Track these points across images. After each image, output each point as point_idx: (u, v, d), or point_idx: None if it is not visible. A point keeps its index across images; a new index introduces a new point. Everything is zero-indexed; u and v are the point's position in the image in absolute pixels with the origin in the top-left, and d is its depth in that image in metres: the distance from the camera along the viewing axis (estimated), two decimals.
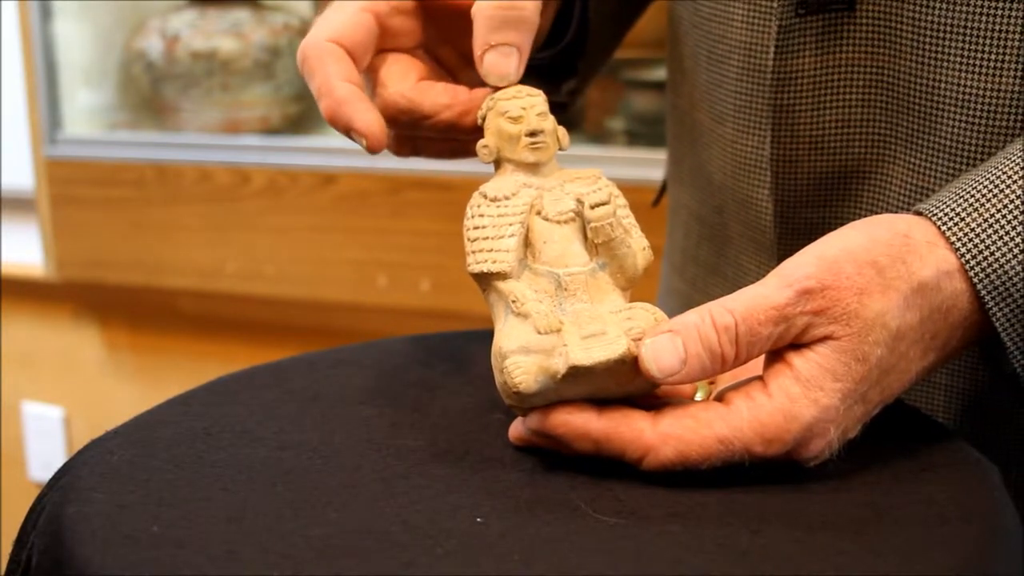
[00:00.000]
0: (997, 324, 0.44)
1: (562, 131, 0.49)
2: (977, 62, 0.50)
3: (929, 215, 0.45)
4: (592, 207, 0.46)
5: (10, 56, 1.57)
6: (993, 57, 0.50)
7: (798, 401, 0.42)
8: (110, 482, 0.43)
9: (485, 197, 0.47)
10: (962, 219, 0.45)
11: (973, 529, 0.40)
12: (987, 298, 0.44)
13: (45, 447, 1.74)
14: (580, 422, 0.43)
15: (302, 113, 1.52)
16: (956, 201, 0.45)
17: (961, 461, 0.45)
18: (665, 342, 0.42)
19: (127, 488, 0.42)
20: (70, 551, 0.38)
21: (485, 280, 0.46)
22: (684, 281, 0.68)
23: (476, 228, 0.46)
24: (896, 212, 0.55)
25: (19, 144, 1.58)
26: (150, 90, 1.50)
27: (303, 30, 1.50)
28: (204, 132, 1.47)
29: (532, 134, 0.47)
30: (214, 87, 1.46)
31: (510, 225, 0.46)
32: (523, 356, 0.43)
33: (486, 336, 0.59)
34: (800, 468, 0.43)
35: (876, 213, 0.55)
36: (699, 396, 0.47)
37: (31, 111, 1.50)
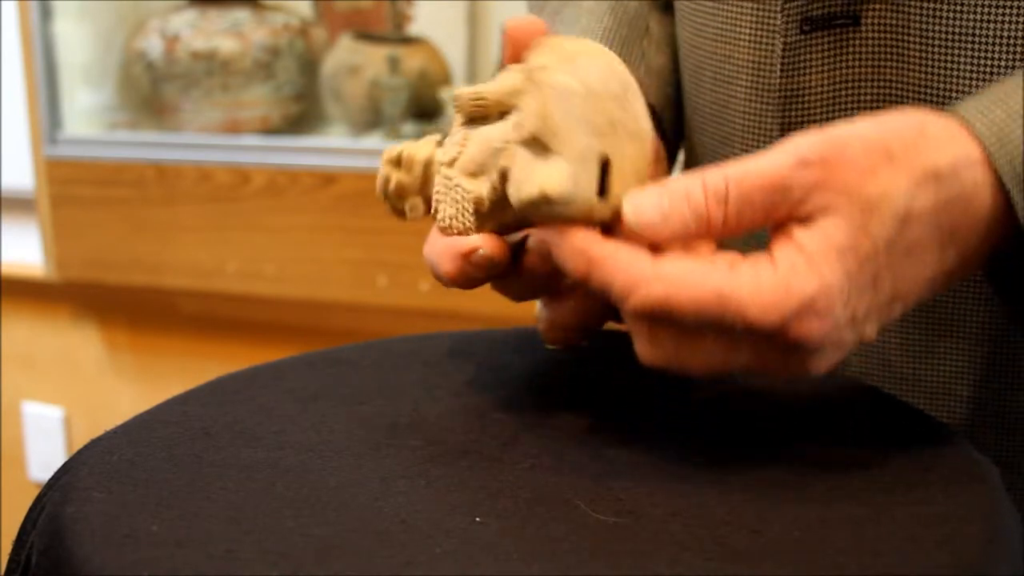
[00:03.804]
0: (1021, 215, 0.42)
1: None
2: (987, 70, 0.50)
3: (952, 110, 0.44)
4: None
5: (10, 56, 1.57)
6: (1003, 64, 0.49)
7: (800, 273, 0.40)
8: (110, 482, 0.43)
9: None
10: (990, 111, 0.43)
11: (973, 529, 0.40)
12: (1012, 188, 0.42)
13: (45, 447, 1.74)
14: (581, 240, 0.42)
15: (302, 113, 1.52)
16: (979, 99, 0.44)
17: (961, 461, 0.45)
18: (650, 195, 0.42)
19: (127, 488, 0.42)
20: (69, 551, 0.38)
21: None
22: None
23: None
24: None
25: (19, 144, 1.58)
26: (150, 90, 1.50)
27: (303, 30, 1.50)
28: (204, 132, 1.47)
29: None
30: (214, 87, 1.46)
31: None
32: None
33: (487, 336, 0.59)
34: (799, 467, 0.43)
35: None
36: None
37: (31, 111, 1.50)
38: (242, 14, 1.47)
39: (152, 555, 0.37)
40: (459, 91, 0.47)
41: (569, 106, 0.43)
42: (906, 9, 0.51)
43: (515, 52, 0.46)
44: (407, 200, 0.50)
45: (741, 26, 0.56)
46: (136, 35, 1.51)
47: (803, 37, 0.54)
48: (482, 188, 0.46)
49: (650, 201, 0.42)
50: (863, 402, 0.51)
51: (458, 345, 0.58)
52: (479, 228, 0.46)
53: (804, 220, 0.41)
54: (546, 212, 0.43)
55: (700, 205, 0.41)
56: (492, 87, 0.46)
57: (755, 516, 0.40)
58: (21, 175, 1.59)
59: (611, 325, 0.51)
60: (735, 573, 0.37)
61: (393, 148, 0.50)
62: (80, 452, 0.46)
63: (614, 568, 0.37)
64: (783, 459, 0.44)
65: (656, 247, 0.43)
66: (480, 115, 0.47)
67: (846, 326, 0.41)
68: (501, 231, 0.47)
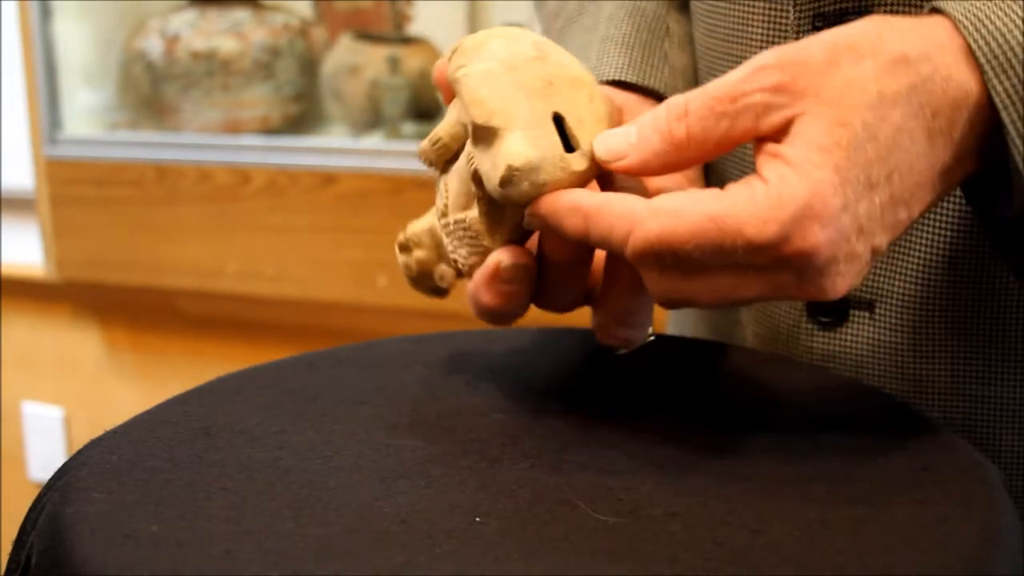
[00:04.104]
0: (996, 99, 0.42)
1: None
2: None
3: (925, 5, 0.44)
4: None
5: (10, 56, 1.57)
6: None
7: (790, 181, 0.40)
8: (110, 482, 0.43)
9: None
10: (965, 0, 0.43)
11: (973, 529, 0.40)
12: (986, 67, 0.42)
13: (45, 447, 1.74)
14: (573, 197, 0.43)
15: (302, 113, 1.52)
16: None
17: (961, 461, 0.45)
18: (618, 130, 0.43)
19: (127, 488, 0.42)
20: (69, 551, 0.38)
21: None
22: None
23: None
24: (926, 216, 0.54)
25: (19, 144, 1.58)
26: (150, 90, 1.50)
27: (303, 30, 1.50)
28: (204, 132, 1.47)
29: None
30: (214, 87, 1.46)
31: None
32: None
33: (486, 336, 0.59)
34: (799, 467, 0.43)
35: None
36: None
37: (31, 111, 1.50)
38: (242, 14, 1.48)
39: (152, 555, 0.37)
40: (419, 147, 0.48)
41: (496, 84, 0.44)
42: (916, 2, 0.51)
43: (449, 90, 0.47)
44: (434, 273, 0.50)
45: (753, 25, 0.56)
46: (136, 35, 1.51)
47: (815, 32, 0.53)
48: (473, 209, 0.46)
49: (618, 134, 0.43)
50: (863, 402, 0.51)
51: (458, 345, 0.58)
52: (492, 247, 0.46)
53: (780, 136, 0.41)
54: (527, 188, 0.43)
55: (662, 124, 0.42)
56: (443, 126, 0.48)
57: (755, 516, 0.40)
58: (21, 175, 1.59)
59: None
60: (735, 573, 0.37)
61: (399, 236, 0.51)
62: (80, 452, 0.46)
63: (614, 568, 0.37)
64: (783, 459, 0.44)
65: (649, 193, 0.43)
66: (447, 156, 0.48)
67: (853, 235, 0.41)
68: (518, 241, 0.47)
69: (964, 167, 0.44)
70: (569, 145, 0.44)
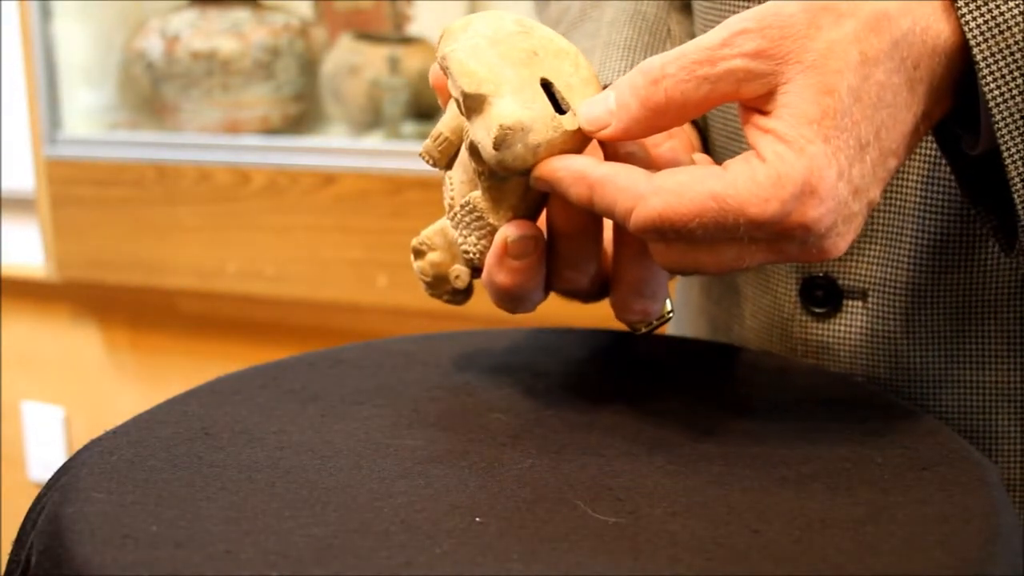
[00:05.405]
0: (970, 36, 0.42)
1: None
2: None
3: None
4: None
5: (10, 56, 1.57)
6: None
7: (787, 159, 0.40)
8: (110, 482, 0.43)
9: None
10: None
11: (972, 529, 0.40)
12: (961, 3, 0.42)
13: (45, 447, 1.74)
14: (580, 165, 0.43)
15: (302, 113, 1.52)
16: None
17: (961, 461, 0.45)
18: (598, 96, 0.43)
19: (126, 488, 0.42)
20: (69, 551, 0.38)
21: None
22: (711, 300, 0.68)
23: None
24: (915, 203, 0.54)
25: (19, 144, 1.58)
26: (150, 90, 1.50)
27: (303, 30, 1.50)
28: (204, 132, 1.47)
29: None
30: (214, 87, 1.46)
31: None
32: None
33: (486, 336, 0.59)
34: (799, 467, 0.43)
35: (893, 204, 0.55)
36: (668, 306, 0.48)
37: (31, 111, 1.50)
38: (242, 14, 1.48)
39: (152, 555, 0.37)
40: (422, 147, 0.49)
41: (482, 55, 0.44)
42: None
43: (445, 92, 0.47)
44: (450, 274, 0.50)
45: None
46: (136, 35, 1.51)
47: None
48: (476, 190, 0.46)
49: (597, 103, 0.43)
50: (863, 402, 0.51)
51: (458, 345, 0.58)
52: (498, 224, 0.46)
53: (764, 104, 0.41)
54: (521, 150, 0.43)
55: (639, 90, 0.42)
56: (443, 121, 0.48)
57: (755, 516, 0.40)
58: (21, 175, 1.59)
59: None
60: (735, 573, 0.37)
61: (412, 242, 0.51)
62: (80, 452, 0.46)
63: (614, 568, 0.37)
64: (783, 459, 0.44)
65: (656, 165, 0.44)
66: (451, 152, 0.49)
67: (850, 198, 0.41)
68: (524, 218, 0.47)
69: (941, 108, 0.44)
70: (560, 109, 0.45)
